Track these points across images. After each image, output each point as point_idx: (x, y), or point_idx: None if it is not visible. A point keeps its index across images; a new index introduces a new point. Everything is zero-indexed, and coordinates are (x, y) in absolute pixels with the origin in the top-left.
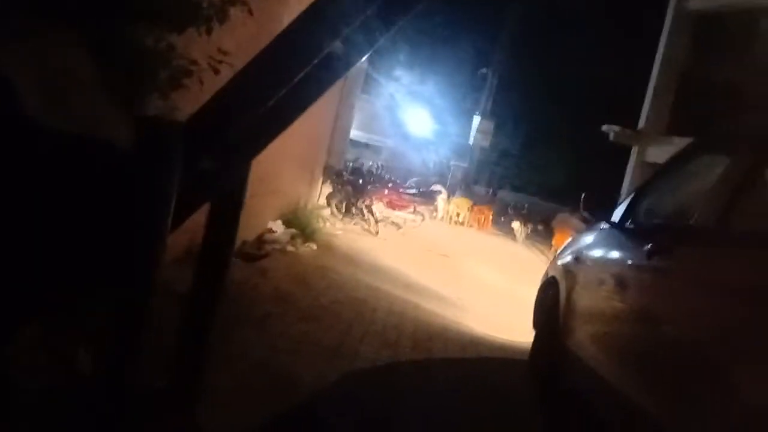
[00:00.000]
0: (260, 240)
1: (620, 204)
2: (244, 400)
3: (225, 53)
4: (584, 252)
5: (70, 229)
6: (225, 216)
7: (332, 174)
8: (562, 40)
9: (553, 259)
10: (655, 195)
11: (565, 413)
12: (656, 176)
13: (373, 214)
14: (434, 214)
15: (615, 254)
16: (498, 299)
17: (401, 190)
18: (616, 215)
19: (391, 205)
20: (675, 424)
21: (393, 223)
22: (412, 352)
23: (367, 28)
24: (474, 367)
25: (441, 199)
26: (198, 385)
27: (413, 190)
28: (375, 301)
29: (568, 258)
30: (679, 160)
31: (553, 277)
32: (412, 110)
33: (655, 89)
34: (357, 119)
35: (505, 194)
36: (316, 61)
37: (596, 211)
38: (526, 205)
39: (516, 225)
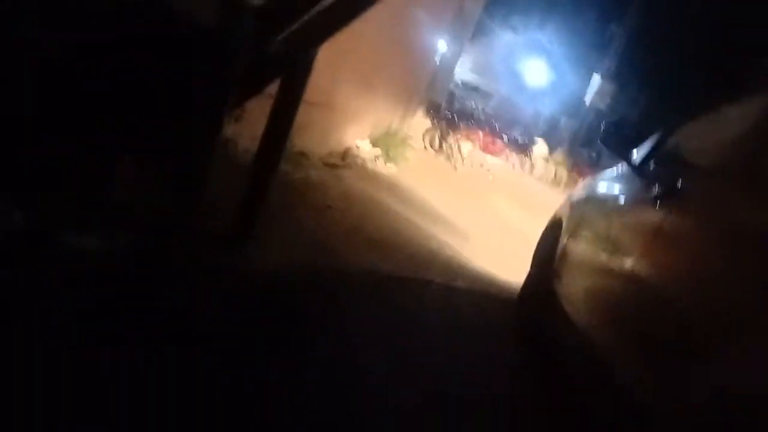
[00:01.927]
0: (345, 153)
1: (644, 143)
2: (286, 254)
3: None
4: (594, 193)
5: (157, 86)
6: (290, 96)
7: (431, 108)
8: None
9: (566, 199)
10: (683, 137)
11: (540, 360)
12: (692, 118)
13: (460, 152)
14: (531, 168)
15: (624, 196)
16: None
17: (498, 135)
18: (639, 155)
19: (485, 148)
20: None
21: (482, 166)
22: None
23: None
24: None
25: (540, 155)
26: (250, 230)
27: (512, 139)
28: (432, 224)
29: (576, 197)
30: (715, 104)
31: (560, 218)
32: (529, 61)
33: None
34: (469, 62)
35: (612, 162)
36: None
37: (617, 147)
38: None
39: None
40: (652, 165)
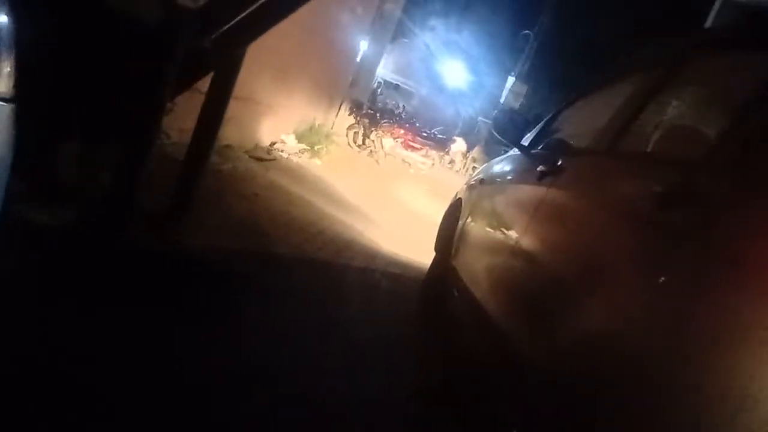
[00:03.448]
0: (271, 146)
1: (533, 129)
2: (219, 234)
3: None
4: (489, 174)
5: (105, 80)
6: (221, 87)
7: (354, 105)
8: (607, 11)
9: (466, 182)
10: (568, 120)
11: (441, 338)
12: (573, 102)
13: (382, 147)
14: (450, 164)
15: (513, 177)
16: None
17: (418, 133)
18: (527, 139)
19: (405, 144)
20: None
21: (404, 161)
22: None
23: None
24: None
25: (459, 151)
26: (185, 212)
27: (432, 136)
28: (352, 210)
29: (474, 180)
30: (591, 88)
31: (460, 199)
32: (448, 62)
33: None
34: (391, 62)
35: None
36: None
37: (508, 133)
38: None
39: None
40: (538, 148)
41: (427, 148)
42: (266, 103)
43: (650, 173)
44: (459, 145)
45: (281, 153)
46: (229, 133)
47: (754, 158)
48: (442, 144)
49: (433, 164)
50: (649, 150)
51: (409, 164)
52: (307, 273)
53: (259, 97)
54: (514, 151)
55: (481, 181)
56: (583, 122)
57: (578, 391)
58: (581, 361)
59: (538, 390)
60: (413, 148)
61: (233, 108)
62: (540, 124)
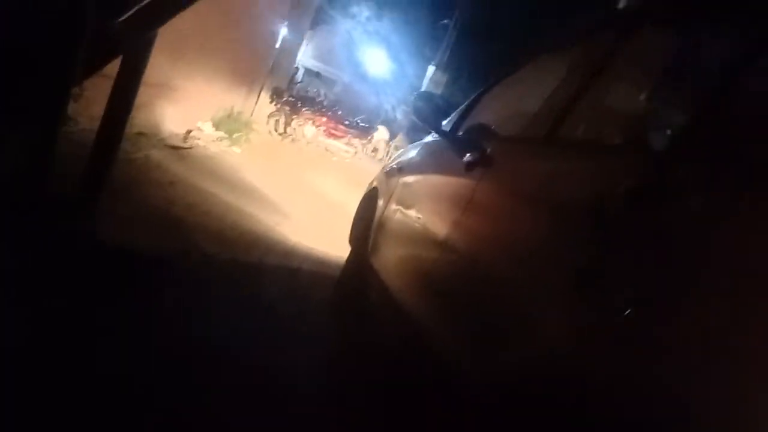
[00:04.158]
0: (187, 134)
1: (456, 111)
2: (129, 224)
3: None
4: (408, 162)
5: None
6: (131, 72)
7: (274, 93)
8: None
9: (382, 169)
10: (492, 103)
11: (358, 335)
12: (496, 83)
13: (304, 135)
14: (373, 152)
15: (434, 165)
16: None
17: (341, 121)
18: (449, 123)
19: (327, 133)
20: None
21: (326, 150)
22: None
23: None
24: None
25: (382, 139)
26: (95, 201)
27: (354, 124)
28: (271, 203)
29: (392, 166)
30: (520, 67)
31: (376, 188)
32: (369, 50)
33: None
34: (312, 48)
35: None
36: None
37: (428, 118)
38: None
39: None
40: (462, 133)
41: (350, 136)
42: (182, 90)
43: (610, 165)
44: (381, 133)
45: (198, 141)
46: (143, 120)
47: (724, 143)
48: (364, 132)
49: (356, 152)
50: (600, 138)
51: (332, 153)
52: (222, 266)
53: (174, 83)
54: (434, 137)
55: (400, 169)
56: (511, 105)
57: (511, 401)
58: (517, 371)
59: (459, 396)
60: (336, 136)
61: (147, 94)
62: (461, 107)
